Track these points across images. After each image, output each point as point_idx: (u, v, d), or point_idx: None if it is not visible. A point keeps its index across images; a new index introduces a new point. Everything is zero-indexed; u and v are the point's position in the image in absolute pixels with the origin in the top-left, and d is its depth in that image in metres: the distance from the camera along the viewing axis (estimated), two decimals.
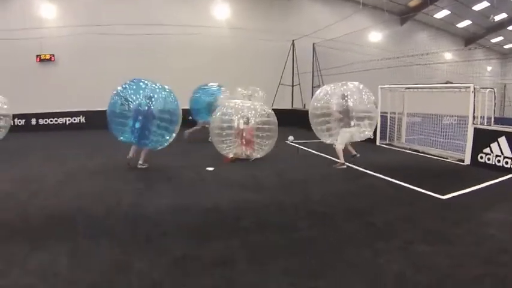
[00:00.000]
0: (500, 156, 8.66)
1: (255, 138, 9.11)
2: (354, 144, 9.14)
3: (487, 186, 7.14)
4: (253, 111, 9.27)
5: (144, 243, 3.91)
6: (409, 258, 3.78)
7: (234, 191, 6.40)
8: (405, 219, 5.08)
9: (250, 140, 9.11)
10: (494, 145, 8.81)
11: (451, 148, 10.55)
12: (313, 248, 3.99)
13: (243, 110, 9.24)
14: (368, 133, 8.92)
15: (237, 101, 9.83)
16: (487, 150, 8.97)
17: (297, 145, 11.95)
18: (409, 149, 11.64)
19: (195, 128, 12.44)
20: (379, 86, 12.55)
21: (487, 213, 5.32)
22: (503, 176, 8.01)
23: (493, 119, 10.20)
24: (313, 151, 10.66)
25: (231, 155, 8.95)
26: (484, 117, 9.98)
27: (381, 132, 12.73)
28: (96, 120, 14.84)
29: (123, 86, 7.60)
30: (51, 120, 15.97)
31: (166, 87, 7.97)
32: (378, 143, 12.60)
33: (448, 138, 10.97)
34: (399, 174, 7.70)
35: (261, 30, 19.17)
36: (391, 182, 7.26)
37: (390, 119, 12.75)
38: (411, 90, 12.22)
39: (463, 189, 6.62)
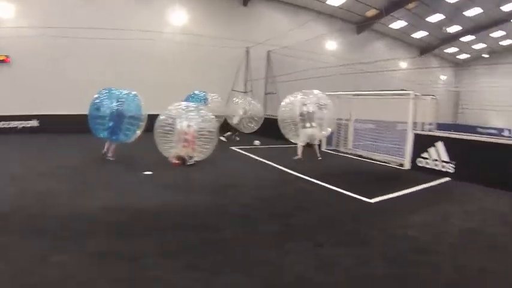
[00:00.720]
0: (437, 160, 8.87)
1: (196, 140, 9.00)
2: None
3: (420, 189, 7.24)
4: (195, 115, 9.17)
5: (68, 240, 3.92)
6: (315, 259, 3.73)
7: (166, 193, 6.22)
8: (326, 222, 5.00)
9: (191, 141, 8.96)
10: (431, 150, 9.02)
11: (395, 153, 10.73)
12: (224, 247, 3.94)
13: (186, 113, 9.12)
14: (325, 132, 10.84)
15: (182, 104, 9.61)
16: (425, 154, 9.17)
17: (243, 151, 11.82)
18: (354, 155, 11.78)
19: None
20: (326, 93, 12.66)
21: (412, 216, 5.32)
22: (438, 179, 8.20)
23: (434, 125, 10.44)
24: (259, 158, 10.50)
25: (172, 156, 8.76)
26: (425, 123, 10.20)
27: (327, 138, 12.84)
28: (50, 124, 14.62)
29: (98, 95, 8.97)
30: (2, 124, 15.10)
31: (133, 92, 9.29)
32: (323, 149, 12.70)
33: (393, 144, 11.16)
34: (334, 180, 7.67)
35: (217, 37, 19.11)
36: (324, 186, 7.18)
37: (337, 126, 12.88)
38: (358, 97, 12.40)
39: (394, 192, 6.66)
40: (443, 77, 33.79)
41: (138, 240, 4.01)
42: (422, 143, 9.26)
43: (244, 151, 11.84)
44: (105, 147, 9.16)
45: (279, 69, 20.14)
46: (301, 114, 10.17)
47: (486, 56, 32.53)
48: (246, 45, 20.25)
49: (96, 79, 15.02)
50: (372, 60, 19.09)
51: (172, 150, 8.79)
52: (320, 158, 10.50)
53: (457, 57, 34.88)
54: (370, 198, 6.19)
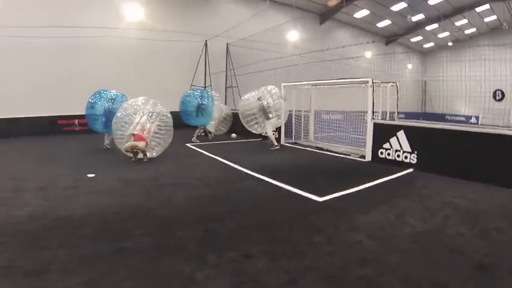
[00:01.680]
0: (399, 150, 8.24)
1: (151, 136, 8.87)
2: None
3: (378, 183, 6.55)
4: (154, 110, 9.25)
5: None
6: (233, 276, 3.02)
7: (99, 197, 5.52)
8: (261, 227, 4.20)
9: (146, 136, 8.64)
10: (393, 140, 8.39)
11: (356, 145, 10.10)
12: (134, 258, 3.37)
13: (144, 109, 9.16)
14: (281, 120, 11.44)
15: (140, 99, 9.35)
16: (386, 145, 8.54)
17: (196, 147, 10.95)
18: (314, 147, 11.10)
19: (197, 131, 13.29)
20: (282, 84, 11.94)
21: (363, 216, 4.58)
22: (400, 172, 7.57)
23: (396, 114, 9.83)
24: (212, 155, 9.66)
25: (128, 147, 8.45)
26: (386, 112, 9.58)
27: (285, 131, 12.13)
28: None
29: (92, 97, 10.67)
30: None
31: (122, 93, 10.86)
32: (282, 142, 11.97)
33: (356, 134, 10.55)
34: (285, 176, 6.97)
35: (174, 31, 18.19)
36: (272, 184, 6.41)
37: (296, 117, 12.17)
38: (318, 87, 11.70)
39: (349, 188, 5.94)
40: (409, 66, 33.76)
41: (48, 251, 3.49)
42: (383, 133, 8.61)
43: (199, 148, 10.96)
44: (105, 139, 10.90)
45: (240, 62, 19.31)
46: (261, 108, 10.89)
47: (450, 44, 32.73)
48: (205, 38, 19.30)
49: (46, 79, 14.70)
50: (333, 47, 18.43)
51: (127, 143, 8.50)
52: (278, 147, 11.10)
53: (423, 46, 34.98)
54: (321, 196, 5.46)
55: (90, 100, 10.61)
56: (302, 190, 5.83)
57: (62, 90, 15.07)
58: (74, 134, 15.17)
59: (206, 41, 19.36)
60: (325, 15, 25.56)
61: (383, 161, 8.54)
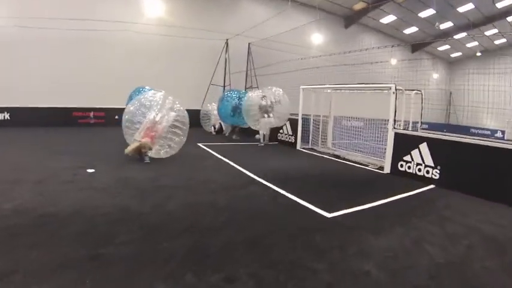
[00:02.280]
0: (421, 164, 7.63)
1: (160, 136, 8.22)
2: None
3: (396, 200, 5.99)
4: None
5: None
6: None
7: (91, 195, 5.24)
8: (256, 244, 3.73)
9: (154, 135, 8.09)
10: (415, 152, 7.78)
11: (376, 154, 9.51)
12: (108, 268, 3.01)
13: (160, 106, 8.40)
14: (273, 122, 11.81)
15: (158, 95, 8.63)
16: (407, 157, 7.93)
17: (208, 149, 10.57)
18: (331, 155, 10.54)
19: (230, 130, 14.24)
20: (301, 87, 11.45)
21: (374, 239, 4.06)
22: (421, 188, 6.96)
23: (420, 124, 9.21)
24: (222, 157, 9.27)
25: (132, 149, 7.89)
26: (409, 121, 8.97)
27: (302, 136, 11.63)
28: (21, 117, 13.87)
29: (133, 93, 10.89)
30: None
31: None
32: (298, 147, 11.48)
33: (376, 143, 9.96)
34: (295, 185, 6.51)
35: (195, 29, 18.05)
36: (279, 193, 5.92)
37: (314, 122, 11.64)
38: (339, 91, 11.15)
39: (362, 204, 5.41)
40: (435, 76, 32.65)
41: (19, 251, 3.21)
42: (405, 143, 8.01)
43: (211, 149, 10.56)
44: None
45: (261, 63, 18.88)
46: (260, 107, 11.48)
47: (479, 54, 31.46)
48: (226, 37, 18.99)
49: (66, 73, 14.94)
50: (356, 50, 17.77)
51: (129, 147, 7.95)
52: (262, 145, 11.98)
53: (450, 55, 33.80)
54: (329, 211, 4.95)
55: (131, 95, 10.73)
56: (310, 203, 5.34)
57: (78, 82, 15.19)
58: (88, 126, 15.25)
59: (227, 39, 19.03)
60: (350, 19, 24.87)
61: (402, 174, 7.95)
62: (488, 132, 28.93)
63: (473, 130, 29.58)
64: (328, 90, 11.44)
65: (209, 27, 18.57)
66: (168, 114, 8.24)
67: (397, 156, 8.18)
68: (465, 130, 27.73)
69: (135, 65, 16.62)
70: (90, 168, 6.93)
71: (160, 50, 17.68)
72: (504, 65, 25.78)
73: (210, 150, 10.25)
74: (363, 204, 5.42)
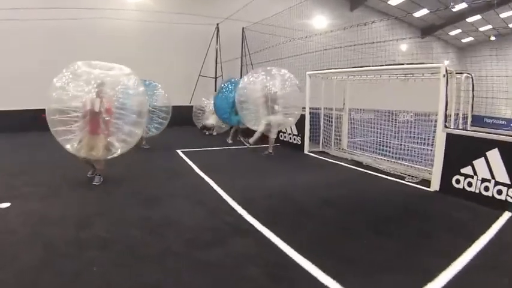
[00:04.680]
0: (489, 181, 5.20)
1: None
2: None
3: (472, 251, 3.54)
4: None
5: None
6: None
7: None
8: None
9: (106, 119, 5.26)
10: (479, 162, 5.34)
11: (413, 160, 7.09)
12: None
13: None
14: (291, 119, 8.52)
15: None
16: (467, 169, 5.50)
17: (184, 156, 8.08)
18: (350, 161, 8.12)
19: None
20: (307, 72, 8.95)
21: None
22: (493, 220, 4.51)
23: (469, 119, 6.78)
24: (200, 170, 6.77)
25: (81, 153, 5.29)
26: (458, 115, 6.54)
27: (310, 135, 9.14)
28: None
29: None
30: None
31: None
32: (306, 151, 9.01)
33: (412, 145, 7.55)
34: (301, 226, 4.13)
35: (179, 13, 15.77)
36: (272, 247, 3.48)
37: (325, 118, 9.16)
38: (354, 77, 8.65)
39: (408, 270, 3.00)
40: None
41: None
42: (464, 150, 5.58)
43: (192, 159, 8.00)
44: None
45: (257, 50, 16.36)
46: (265, 96, 8.09)
47: (493, 38, 29.02)
48: (216, 21, 16.46)
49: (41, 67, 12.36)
50: (361, 42, 15.40)
51: (74, 145, 5.23)
52: (271, 152, 8.60)
53: (462, 40, 31.26)
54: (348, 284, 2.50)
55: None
56: (321, 268, 2.95)
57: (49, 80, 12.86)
58: None
59: (218, 24, 16.48)
60: (356, 1, 22.34)
61: (459, 194, 5.52)
62: (504, 122, 26.85)
63: (487, 120, 27.31)
64: (342, 77, 8.94)
65: (196, 11, 16.25)
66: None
67: (450, 168, 5.73)
68: (479, 121, 25.44)
69: (114, 55, 14.24)
70: (5, 203, 4.51)
71: (142, 38, 15.45)
72: None
73: (189, 162, 7.66)
74: (410, 271, 2.98)
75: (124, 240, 3.59)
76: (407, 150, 7.37)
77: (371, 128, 8.46)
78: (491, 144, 5.20)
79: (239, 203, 4.90)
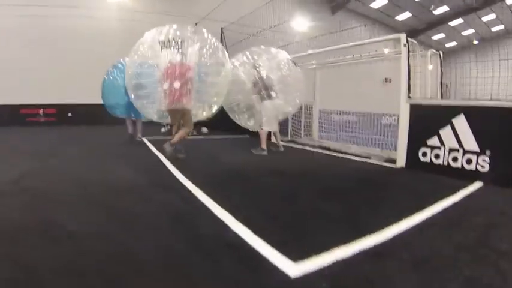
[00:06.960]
0: (457, 150, 4.76)
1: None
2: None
3: (425, 221, 2.94)
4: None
5: None
6: None
7: None
8: None
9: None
10: (446, 131, 4.91)
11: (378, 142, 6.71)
12: None
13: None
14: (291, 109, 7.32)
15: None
16: (433, 141, 5.06)
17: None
18: (317, 147, 7.68)
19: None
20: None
21: None
22: (460, 189, 4.02)
23: (439, 94, 6.39)
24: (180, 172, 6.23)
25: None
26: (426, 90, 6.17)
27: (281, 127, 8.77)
28: None
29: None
30: None
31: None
32: (273, 140, 8.56)
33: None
34: (229, 187, 3.90)
35: (157, 12, 15.64)
36: (216, 220, 2.85)
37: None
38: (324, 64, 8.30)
39: (365, 233, 2.48)
40: (430, 67, 30.14)
41: None
42: (428, 120, 5.15)
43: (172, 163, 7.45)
44: (128, 129, 8.06)
45: (238, 50, 16.05)
46: (255, 83, 6.74)
47: (476, 42, 29.14)
48: (194, 21, 16.18)
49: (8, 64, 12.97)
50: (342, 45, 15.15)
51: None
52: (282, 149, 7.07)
53: (445, 45, 31.38)
54: (297, 259, 1.99)
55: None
56: (269, 243, 2.29)
57: (27, 76, 13.37)
58: (37, 125, 13.39)
59: (196, 24, 16.21)
60: (336, 5, 22.31)
61: (427, 168, 5.06)
62: None
63: None
64: (313, 65, 8.57)
65: (172, 10, 16.11)
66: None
67: (416, 141, 5.30)
68: None
69: (93, 54, 14.25)
70: None
71: (119, 38, 14.99)
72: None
73: (167, 164, 7.17)
74: (367, 234, 2.47)
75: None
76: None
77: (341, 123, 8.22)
78: (456, 110, 4.78)
79: (182, 172, 4.53)
